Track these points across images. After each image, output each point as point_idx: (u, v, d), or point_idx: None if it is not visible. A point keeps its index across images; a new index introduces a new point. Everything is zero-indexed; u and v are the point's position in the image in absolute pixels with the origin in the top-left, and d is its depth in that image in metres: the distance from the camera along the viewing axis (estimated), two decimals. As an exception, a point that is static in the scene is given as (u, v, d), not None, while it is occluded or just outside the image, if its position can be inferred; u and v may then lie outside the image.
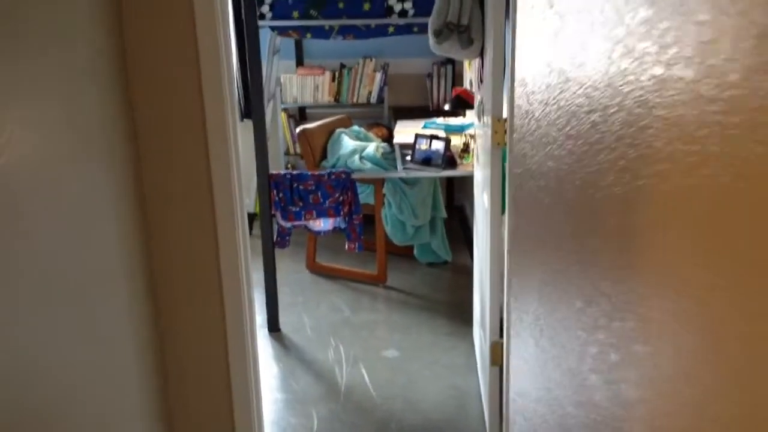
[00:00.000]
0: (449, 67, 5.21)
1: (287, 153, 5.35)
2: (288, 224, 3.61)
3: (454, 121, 3.85)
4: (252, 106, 3.38)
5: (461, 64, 5.36)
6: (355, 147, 4.32)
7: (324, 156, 4.44)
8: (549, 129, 1.25)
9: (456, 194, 5.49)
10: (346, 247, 3.68)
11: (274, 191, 3.51)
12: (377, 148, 4.31)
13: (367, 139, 4.59)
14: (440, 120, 3.83)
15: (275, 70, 5.18)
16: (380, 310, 3.98)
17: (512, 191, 1.86)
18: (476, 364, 3.30)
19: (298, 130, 4.34)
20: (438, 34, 2.66)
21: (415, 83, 5.43)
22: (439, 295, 4.14)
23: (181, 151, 2.31)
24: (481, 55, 2.73)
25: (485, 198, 2.70)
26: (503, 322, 2.44)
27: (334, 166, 4.33)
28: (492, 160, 2.48)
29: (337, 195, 3.49)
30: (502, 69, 2.39)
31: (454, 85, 5.25)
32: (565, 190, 1.10)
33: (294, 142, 5.30)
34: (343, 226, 3.62)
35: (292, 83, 5.21)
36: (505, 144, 2.42)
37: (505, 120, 2.42)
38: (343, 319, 3.86)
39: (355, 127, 4.65)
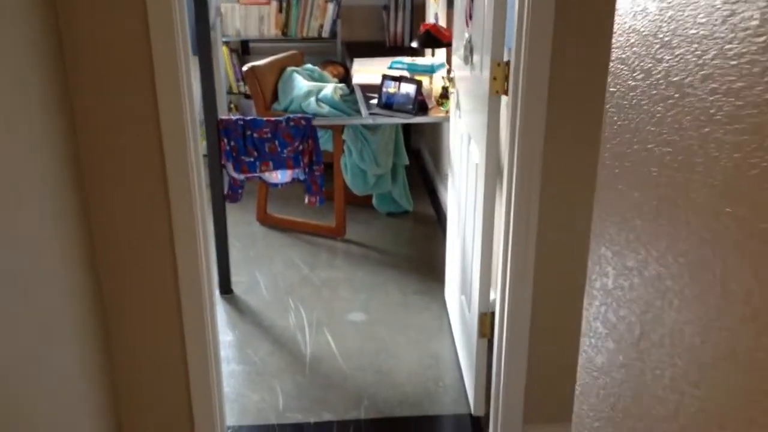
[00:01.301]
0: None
1: (230, 92, 4.88)
2: (241, 176, 3.23)
3: (422, 60, 3.50)
4: (195, 37, 2.93)
5: (420, -5, 4.96)
6: (310, 88, 3.92)
7: (275, 97, 4.02)
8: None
9: (413, 137, 5.17)
10: (306, 200, 3.33)
11: (225, 139, 3.11)
12: (335, 89, 3.92)
13: (321, 79, 4.18)
14: (407, 59, 3.47)
15: (215, -1, 4.65)
16: (341, 267, 3.67)
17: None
18: (450, 327, 3.06)
19: (245, 68, 3.89)
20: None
21: (370, 16, 5.01)
22: (404, 249, 3.87)
23: (123, 87, 1.91)
24: (471, -14, 2.38)
25: (475, 152, 2.40)
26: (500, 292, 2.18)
27: (286, 109, 3.92)
28: (489, 110, 2.16)
29: (296, 144, 3.12)
30: (505, 1, 2.05)
31: (413, 18, 4.85)
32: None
33: (237, 81, 4.83)
34: (302, 177, 3.26)
35: (234, 13, 4.71)
36: (506, 92, 2.10)
37: (507, 63, 2.09)
38: (301, 278, 3.55)
39: (309, 66, 4.23)
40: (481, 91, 2.26)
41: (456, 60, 2.80)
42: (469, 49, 2.43)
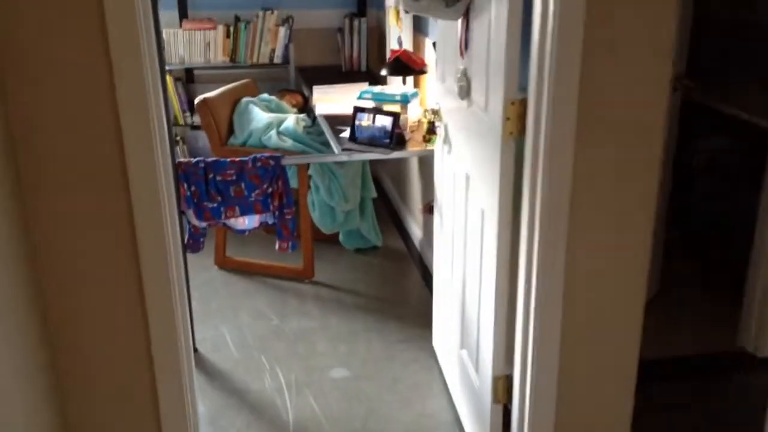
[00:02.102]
0: (362, 21, 4.55)
1: (175, 124, 4.52)
2: (203, 224, 2.90)
3: (391, 89, 3.25)
4: None
5: (376, 16, 4.72)
6: (269, 120, 3.61)
7: (231, 131, 3.70)
8: None
9: (374, 166, 4.91)
10: (277, 246, 3.02)
11: (184, 184, 2.78)
12: (297, 121, 3.63)
13: (280, 110, 3.88)
14: (377, 88, 3.22)
15: (155, 24, 4.29)
16: (313, 314, 3.37)
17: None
18: (445, 382, 2.80)
19: (197, 100, 3.56)
20: (416, -14, 2.04)
21: (323, 40, 4.74)
22: (379, 289, 3.59)
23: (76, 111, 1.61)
24: (467, 14, 2.14)
25: (480, 196, 2.16)
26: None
27: (244, 144, 3.61)
28: (502, 154, 1.92)
29: (264, 186, 2.82)
30: (519, 30, 1.82)
31: (369, 41, 4.60)
32: None
33: (183, 112, 4.47)
34: (271, 221, 2.95)
35: (176, 40, 4.36)
36: (522, 134, 1.87)
37: (522, 101, 1.86)
38: (271, 330, 3.23)
39: (265, 95, 3.92)
40: (486, 131, 2.03)
41: (441, 90, 2.56)
42: (466, 83, 2.19)
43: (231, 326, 3.26)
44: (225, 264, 3.76)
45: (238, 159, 2.82)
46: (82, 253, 1.80)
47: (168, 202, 1.88)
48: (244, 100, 3.75)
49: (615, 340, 1.99)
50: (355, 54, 4.60)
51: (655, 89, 1.77)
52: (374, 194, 3.90)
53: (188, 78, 4.66)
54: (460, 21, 2.19)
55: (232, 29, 4.40)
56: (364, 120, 3.00)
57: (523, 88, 1.86)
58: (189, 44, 4.37)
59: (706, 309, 3.35)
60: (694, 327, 3.21)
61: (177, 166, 2.76)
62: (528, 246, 1.91)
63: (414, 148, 3.00)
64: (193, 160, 2.78)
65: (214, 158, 2.82)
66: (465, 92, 2.21)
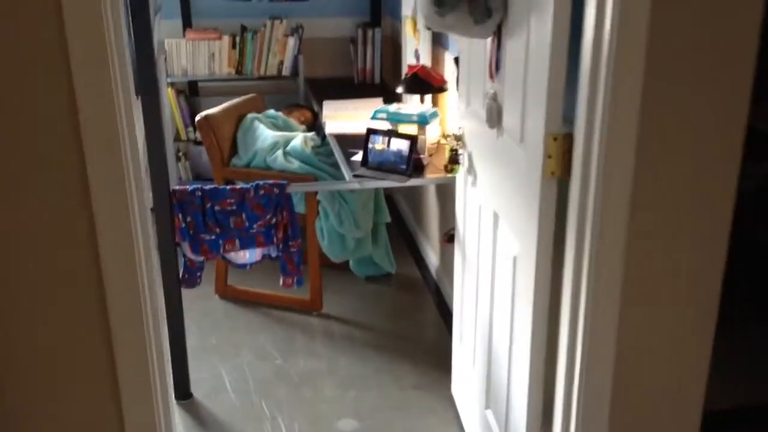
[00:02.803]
0: (376, 31, 4.27)
1: (177, 139, 4.25)
2: (199, 258, 2.62)
3: (408, 108, 2.97)
4: (139, 78, 2.35)
5: (391, 26, 4.44)
6: (275, 139, 3.34)
7: (234, 150, 3.43)
8: None
9: (387, 189, 4.62)
10: (281, 282, 2.74)
11: (179, 214, 2.51)
12: (305, 140, 3.36)
13: (287, 128, 3.60)
14: (392, 107, 2.94)
15: (156, 33, 4.03)
16: (321, 354, 3.09)
17: None
18: (466, 436, 2.51)
19: (198, 117, 3.29)
20: (440, 2, 1.76)
21: (335, 50, 4.46)
22: (392, 324, 3.30)
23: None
24: (498, 32, 1.86)
25: (510, 240, 1.87)
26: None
27: (249, 165, 3.33)
28: (541, 197, 1.63)
29: (268, 216, 2.54)
30: (566, 53, 1.53)
31: (383, 53, 4.33)
32: None
33: (186, 126, 4.21)
34: (275, 254, 2.68)
35: (179, 50, 4.10)
36: (566, 174, 1.58)
37: (567, 136, 1.57)
38: (274, 371, 2.94)
39: (271, 112, 3.65)
40: (521, 167, 1.74)
41: (465, 114, 2.27)
42: (496, 109, 1.90)
43: (230, 366, 2.98)
44: (226, 293, 3.49)
45: (238, 186, 2.54)
46: (42, 314, 1.53)
47: (143, 244, 1.61)
48: (249, 116, 3.48)
49: (675, 399, 1.69)
50: (368, 66, 4.32)
51: (730, 127, 1.47)
52: (388, 219, 3.61)
53: (192, 91, 4.40)
54: (489, 39, 1.91)
55: (238, 39, 4.13)
56: (378, 143, 2.72)
57: (568, 119, 1.57)
58: (192, 55, 4.11)
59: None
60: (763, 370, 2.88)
61: (171, 195, 2.49)
62: (573, 302, 1.61)
63: (433, 175, 2.71)
64: (190, 187, 2.51)
65: (212, 185, 2.54)
66: (495, 120, 1.92)
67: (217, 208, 2.54)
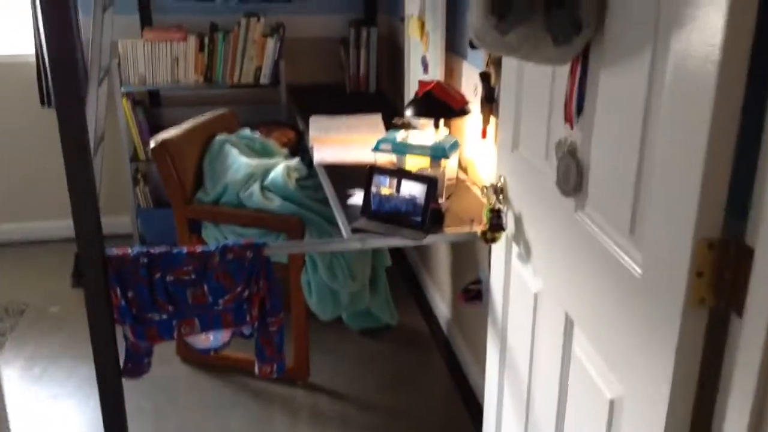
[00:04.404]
0: (372, 30, 3.62)
1: (135, 159, 3.58)
2: (145, 344, 1.97)
3: (419, 136, 2.33)
4: (54, 86, 1.71)
5: (388, 24, 3.78)
6: (251, 169, 2.68)
7: (199, 183, 2.77)
8: None
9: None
10: (257, 370, 2.10)
11: (117, 288, 1.85)
12: (288, 171, 2.71)
13: (266, 152, 2.94)
14: (400, 136, 2.29)
15: (108, 32, 3.36)
16: (308, 442, 2.45)
17: None
18: None
19: (152, 144, 2.63)
20: (503, 11, 1.12)
21: (323, 53, 3.80)
22: (394, 396, 2.67)
23: None
24: (584, 56, 1.22)
25: (609, 383, 1.24)
26: None
27: (218, 201, 2.68)
28: (682, 334, 1.00)
29: (238, 289, 1.90)
30: (740, 102, 0.90)
31: (380, 56, 3.67)
32: None
33: (144, 144, 3.53)
34: (248, 333, 2.03)
35: (136, 53, 3.42)
36: (721, 303, 0.96)
37: (727, 243, 0.94)
38: (249, 472, 2.31)
39: (246, 132, 2.98)
40: (634, 279, 1.11)
41: (512, 161, 1.63)
42: (575, 170, 1.27)
43: (193, 465, 2.33)
44: (190, 355, 2.83)
45: (198, 249, 1.90)
46: None
47: None
48: (218, 139, 2.81)
49: None
50: (362, 72, 3.67)
51: None
52: (389, 262, 2.98)
53: (153, 100, 3.71)
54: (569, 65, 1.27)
55: (207, 40, 3.46)
56: (385, 186, 2.08)
57: (733, 216, 0.94)
58: (151, 59, 3.43)
59: None
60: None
61: (106, 262, 1.84)
62: None
63: (455, 229, 2.07)
64: (131, 251, 1.86)
65: (161, 249, 1.89)
66: (573, 184, 1.29)
67: (169, 278, 1.88)
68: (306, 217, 2.61)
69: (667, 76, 1.00)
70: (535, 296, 1.55)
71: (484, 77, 2.24)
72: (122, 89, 3.42)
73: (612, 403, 1.21)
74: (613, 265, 1.17)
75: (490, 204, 1.67)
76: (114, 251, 1.87)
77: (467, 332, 2.76)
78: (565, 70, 1.30)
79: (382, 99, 3.62)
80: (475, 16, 1.17)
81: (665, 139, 1.01)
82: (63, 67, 1.69)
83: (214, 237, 2.67)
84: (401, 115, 3.24)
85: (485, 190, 1.72)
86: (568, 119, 1.29)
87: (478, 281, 2.51)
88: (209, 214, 2.66)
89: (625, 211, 1.13)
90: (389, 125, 3.00)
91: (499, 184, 1.71)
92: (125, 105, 3.44)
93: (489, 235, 1.65)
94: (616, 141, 1.16)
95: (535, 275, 1.55)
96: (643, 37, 1.06)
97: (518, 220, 1.63)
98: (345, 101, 3.58)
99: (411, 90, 3.12)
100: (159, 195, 3.64)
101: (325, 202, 2.63)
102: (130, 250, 1.88)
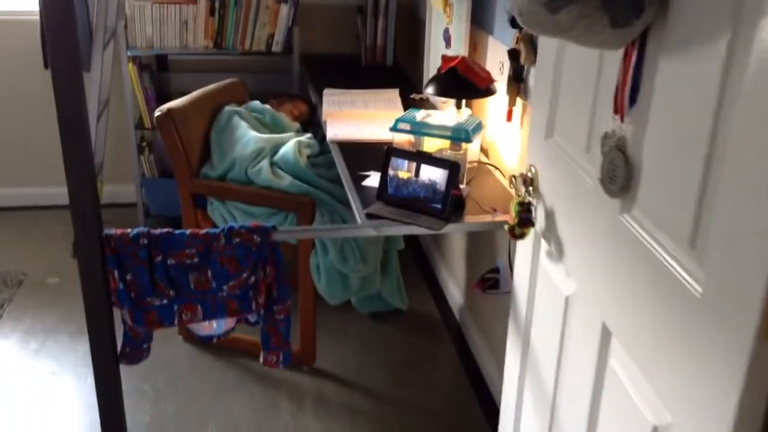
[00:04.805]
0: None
1: (140, 126, 3.44)
2: (144, 329, 1.85)
3: (440, 116, 2.18)
4: (50, 52, 1.58)
5: (407, -6, 3.60)
6: (261, 144, 2.55)
7: (206, 157, 2.64)
8: None
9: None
10: (262, 359, 1.99)
11: (115, 270, 1.73)
12: (299, 147, 2.57)
13: (276, 126, 2.80)
14: (420, 115, 2.14)
15: (116, -8, 3.21)
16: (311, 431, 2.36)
17: None
18: None
19: (157, 113, 2.49)
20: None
21: (338, 21, 3.64)
22: (403, 385, 2.56)
23: None
24: (642, 40, 1.08)
25: (644, 391, 1.12)
26: None
27: (224, 176, 2.55)
28: (751, 368, 0.87)
29: (244, 274, 1.78)
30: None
31: (398, 25, 3.51)
32: None
33: (150, 110, 3.39)
34: (253, 320, 1.92)
35: (143, 16, 3.26)
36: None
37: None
38: (250, 461, 2.22)
39: (256, 103, 2.84)
40: (689, 298, 0.98)
41: (543, 150, 1.49)
42: (623, 167, 1.13)
43: (192, 453, 2.24)
44: (192, 335, 2.72)
45: (202, 232, 1.77)
46: None
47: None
48: (227, 110, 2.68)
49: None
50: (378, 42, 3.51)
51: None
52: (401, 245, 2.85)
53: (160, 65, 3.57)
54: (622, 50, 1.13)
55: (218, 4, 3.30)
56: (403, 170, 1.94)
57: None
58: (160, 23, 3.28)
59: None
60: None
61: (103, 242, 1.72)
62: None
63: (476, 218, 1.94)
64: (131, 231, 1.74)
65: (163, 230, 1.76)
66: (619, 184, 1.15)
67: (170, 261, 1.76)
68: (317, 197, 2.48)
69: (749, 68, 0.85)
70: (567, 299, 1.43)
71: (513, 54, 2.09)
72: (128, 53, 3.27)
73: (656, 430, 1.09)
74: (665, 279, 1.04)
75: (519, 196, 1.53)
76: (113, 232, 1.75)
77: (481, 320, 2.65)
78: (616, 55, 1.16)
79: (399, 73, 3.46)
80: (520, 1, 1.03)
81: (742, 141, 0.87)
82: (59, 30, 1.55)
83: (220, 214, 2.54)
84: (419, 90, 3.10)
85: (513, 180, 1.58)
86: (618, 110, 1.15)
87: (495, 270, 2.39)
88: (215, 190, 2.53)
89: (684, 221, 0.99)
90: (407, 101, 2.86)
91: (529, 175, 1.57)
92: (131, 69, 3.29)
93: (517, 231, 1.52)
94: (676, 138, 1.02)
95: (567, 277, 1.43)
96: (717, 23, 0.92)
97: (550, 216, 1.49)
98: (360, 73, 3.43)
99: (431, 65, 2.96)
100: (164, 164, 3.52)
101: (337, 180, 2.50)
102: (129, 231, 1.76)
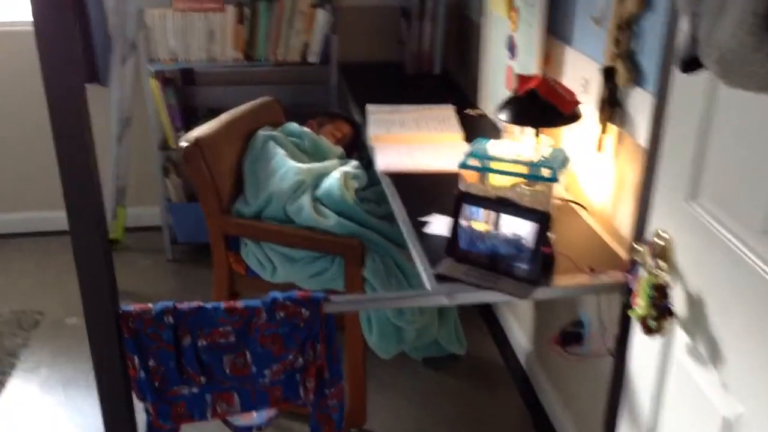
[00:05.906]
0: (439, 1, 3.08)
1: (164, 147, 3.13)
2: (169, 424, 1.53)
3: (511, 148, 1.81)
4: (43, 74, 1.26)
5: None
6: (301, 176, 2.21)
7: (238, 191, 2.31)
8: None
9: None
10: (310, 451, 1.67)
11: (135, 356, 1.42)
12: (345, 179, 2.23)
13: (317, 152, 2.46)
14: (492, 147, 1.78)
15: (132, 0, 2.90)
16: None
17: None
18: None
19: (184, 143, 2.17)
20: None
21: (379, 25, 3.28)
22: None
23: None
24: None
25: None
26: None
27: (260, 215, 2.22)
28: None
29: (290, 356, 1.45)
30: None
31: (447, 29, 3.14)
32: None
33: (176, 130, 3.08)
34: (300, 403, 1.60)
35: (165, 25, 2.94)
36: None
37: None
38: None
39: (293, 126, 2.50)
40: None
41: (684, 215, 1.13)
42: None
43: None
44: (228, 424, 2.40)
45: (239, 305, 1.45)
46: None
47: None
48: (261, 135, 2.34)
49: None
50: (425, 48, 3.15)
51: None
52: (460, 285, 2.50)
53: (185, 79, 3.24)
54: None
55: (247, 11, 2.96)
56: (478, 219, 1.59)
57: None
58: (184, 33, 2.95)
59: None
60: None
61: (120, 321, 1.40)
62: None
63: (570, 279, 1.58)
64: (153, 307, 1.42)
65: (192, 305, 1.44)
66: None
67: (202, 342, 1.44)
68: (367, 238, 2.14)
69: None
70: (725, 421, 1.07)
71: (608, 73, 1.72)
72: (150, 68, 2.95)
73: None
74: None
75: (655, 276, 1.17)
76: (131, 308, 1.42)
77: (553, 370, 2.30)
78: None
79: (449, 82, 3.10)
80: (728, 30, 0.67)
81: None
82: (53, 46, 1.21)
83: (255, 257, 2.22)
84: (473, 104, 2.74)
85: (638, 252, 1.22)
86: None
87: (578, 322, 2.03)
88: (249, 230, 2.21)
89: None
90: (462, 117, 2.51)
91: (660, 242, 1.21)
92: (154, 86, 2.98)
93: (652, 324, 1.16)
94: None
95: (726, 392, 1.07)
96: None
97: (695, 304, 1.14)
98: (405, 84, 3.08)
99: (489, 77, 2.60)
100: (192, 187, 3.20)
101: (389, 217, 2.16)
102: (151, 307, 1.43)
